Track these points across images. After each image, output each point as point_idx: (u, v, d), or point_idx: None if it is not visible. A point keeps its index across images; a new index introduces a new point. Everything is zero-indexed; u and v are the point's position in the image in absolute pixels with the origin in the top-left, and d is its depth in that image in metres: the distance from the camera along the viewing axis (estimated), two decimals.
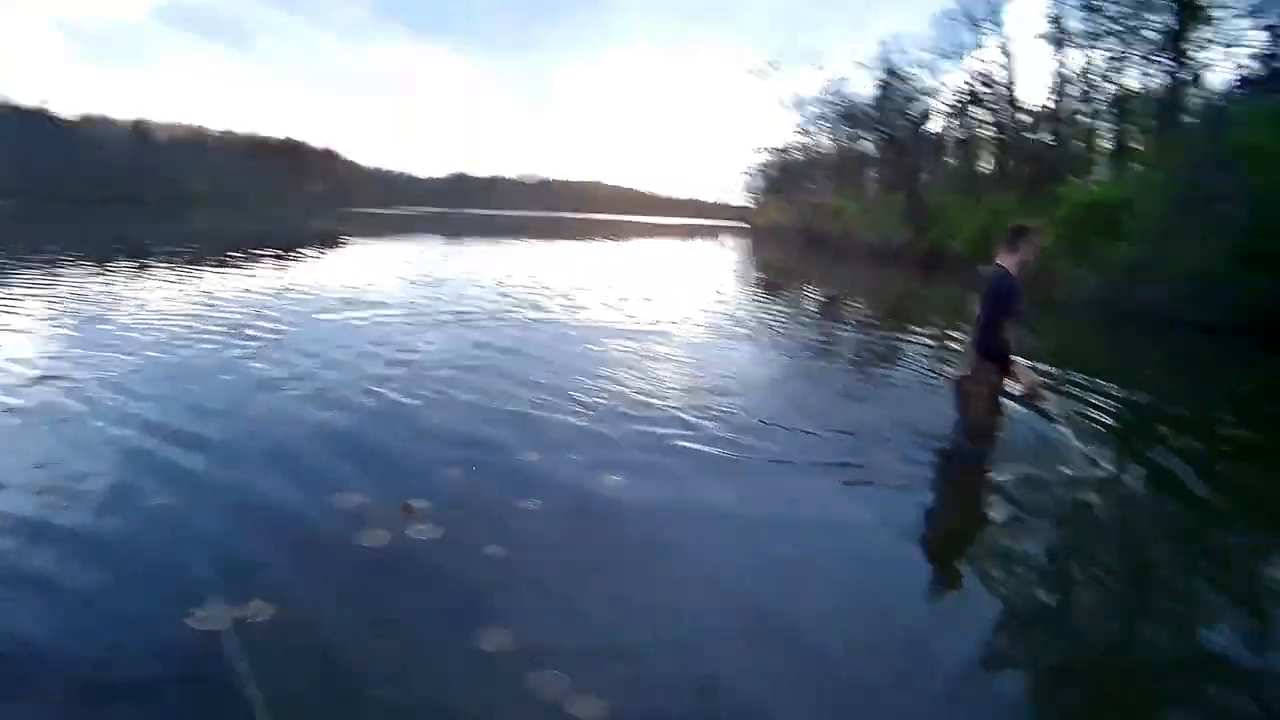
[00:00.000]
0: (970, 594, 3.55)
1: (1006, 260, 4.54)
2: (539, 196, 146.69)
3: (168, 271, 16.03)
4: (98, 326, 8.94)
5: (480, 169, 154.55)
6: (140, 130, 77.45)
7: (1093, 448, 5.46)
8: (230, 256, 20.23)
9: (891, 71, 36.32)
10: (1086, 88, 27.06)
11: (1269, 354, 11.72)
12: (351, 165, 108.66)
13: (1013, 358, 4.61)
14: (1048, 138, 29.37)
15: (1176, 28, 22.57)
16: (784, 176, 60.60)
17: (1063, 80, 27.65)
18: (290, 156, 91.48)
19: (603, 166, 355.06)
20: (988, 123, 33.38)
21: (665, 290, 16.99)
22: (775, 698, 2.63)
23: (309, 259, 21.86)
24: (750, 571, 3.58)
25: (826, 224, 40.80)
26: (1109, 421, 6.68)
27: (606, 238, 47.81)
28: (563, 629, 3.00)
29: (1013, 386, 4.90)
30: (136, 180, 67.05)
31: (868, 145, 43.26)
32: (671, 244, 45.86)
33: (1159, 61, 23.40)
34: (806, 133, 49.87)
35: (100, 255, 19.22)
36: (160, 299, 11.48)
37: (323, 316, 10.60)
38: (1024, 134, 30.10)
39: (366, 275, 17.14)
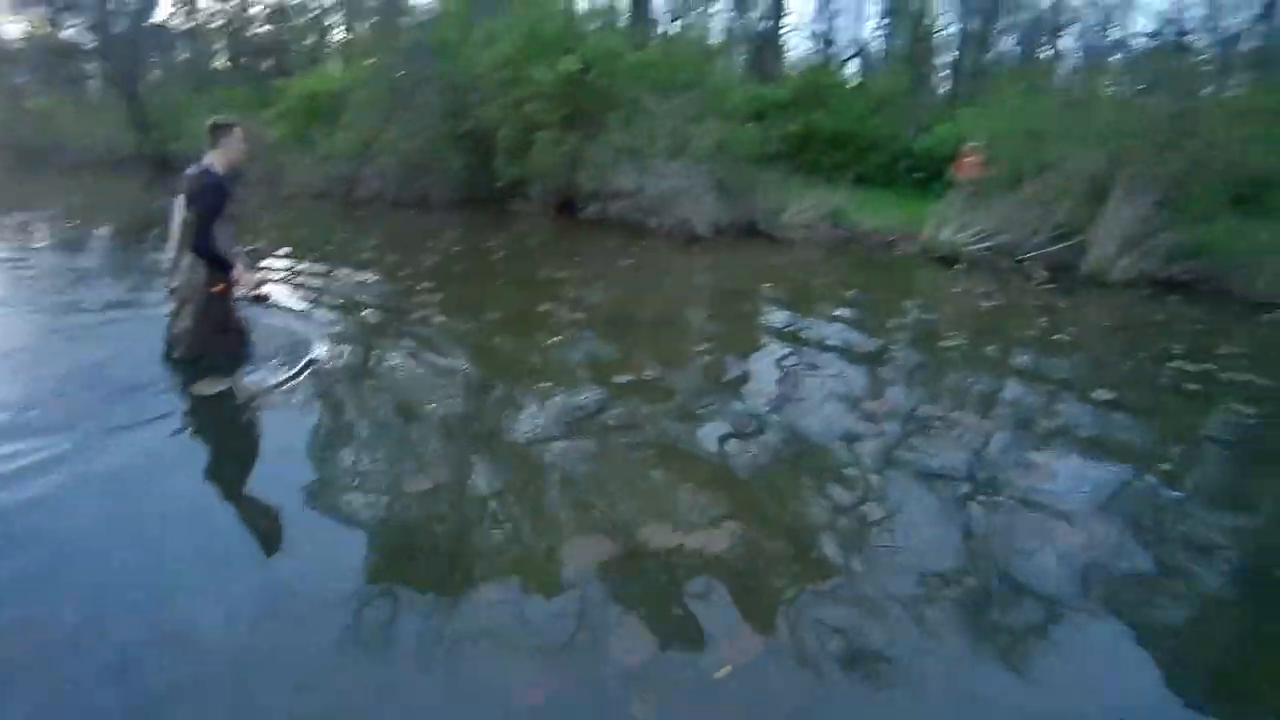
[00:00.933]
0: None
1: (214, 160, 4.27)
2: None
3: None
4: None
5: None
6: None
7: (335, 330, 5.51)
8: None
9: None
10: None
11: (481, 218, 12.82)
12: None
13: (229, 259, 4.36)
14: (278, 29, 28.20)
15: None
16: None
17: None
18: None
19: None
20: (218, 13, 30.69)
21: None
22: None
23: None
24: None
25: (42, 133, 33.06)
26: (338, 300, 6.58)
27: None
28: None
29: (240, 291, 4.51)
30: None
31: (85, 34, 35.99)
32: None
33: None
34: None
35: None
36: None
37: None
38: (253, 26, 28.25)
39: None
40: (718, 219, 11.80)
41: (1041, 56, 25.66)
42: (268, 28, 30.95)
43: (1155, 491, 3.70)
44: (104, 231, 10.97)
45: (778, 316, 7.27)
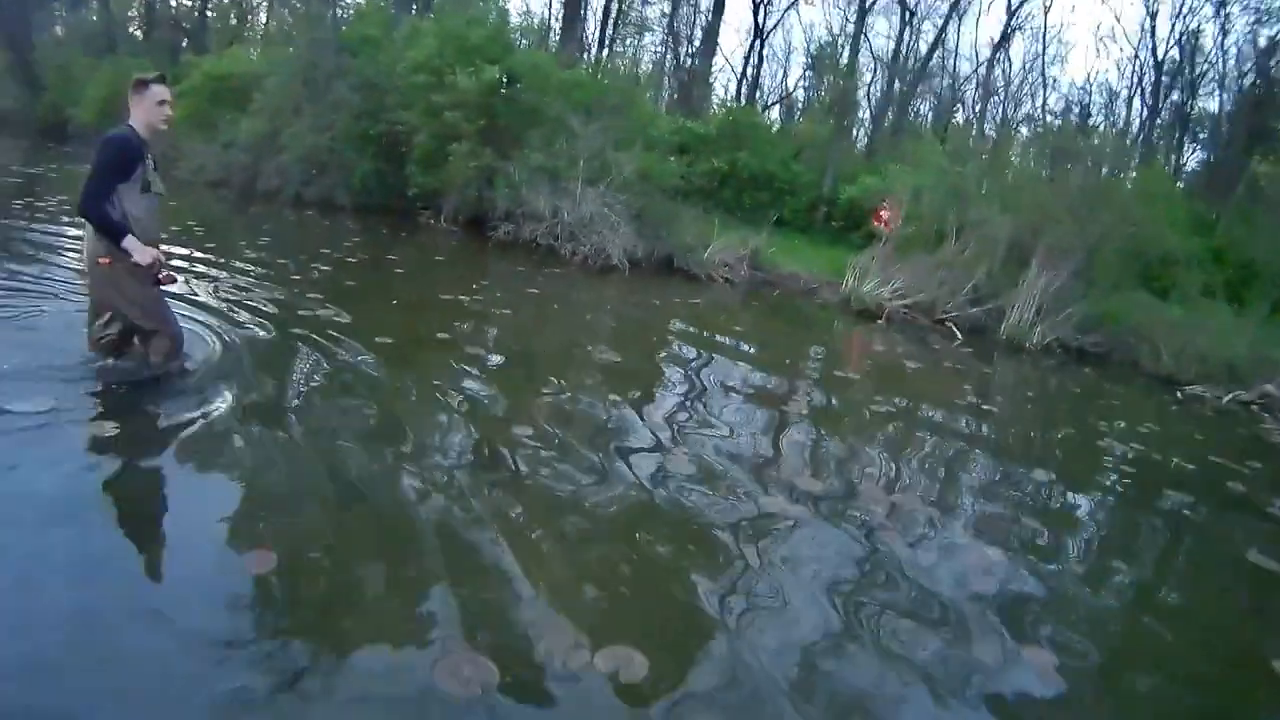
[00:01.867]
0: None
1: (133, 119, 3.73)
2: None
3: None
4: None
5: None
6: None
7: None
8: None
9: None
10: None
11: (385, 226, 12.15)
12: None
13: (120, 227, 3.65)
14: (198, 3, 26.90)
15: None
16: None
17: None
18: None
19: None
20: None
21: None
22: None
23: None
24: None
25: None
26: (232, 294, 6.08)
27: None
28: None
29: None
30: None
31: None
32: None
33: None
34: None
35: None
36: None
37: None
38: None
39: None
40: (635, 251, 11.51)
41: (956, 122, 26.75)
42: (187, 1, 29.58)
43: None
44: None
45: (688, 365, 6.92)
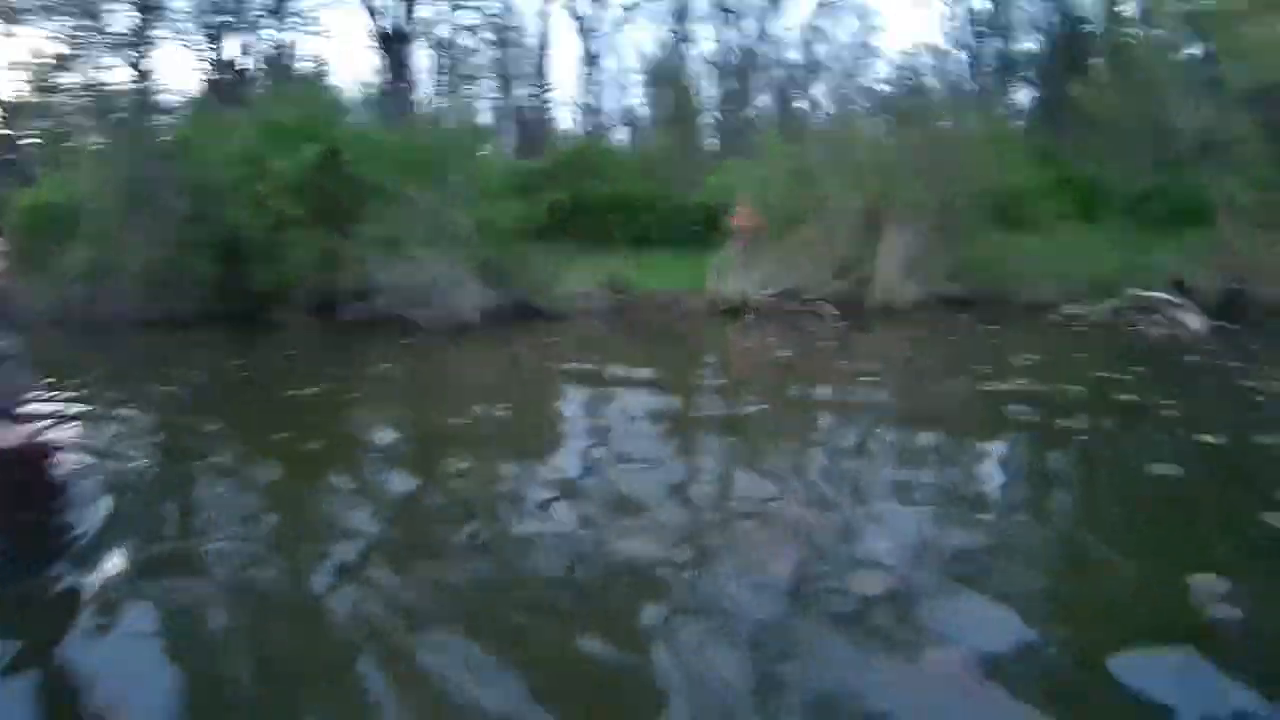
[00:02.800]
0: None
1: None
2: None
3: None
4: None
5: None
6: None
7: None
8: None
9: None
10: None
11: (234, 331, 11.81)
12: None
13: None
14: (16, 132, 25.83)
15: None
16: None
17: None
18: None
19: None
20: None
21: None
22: None
23: None
24: None
25: None
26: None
27: None
28: None
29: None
30: None
31: None
32: None
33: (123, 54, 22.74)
34: None
35: None
36: None
37: None
38: None
39: None
40: (485, 303, 11.51)
41: (796, 107, 27.74)
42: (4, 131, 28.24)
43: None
44: None
45: (562, 407, 6.95)
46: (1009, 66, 27.15)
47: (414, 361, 9.57)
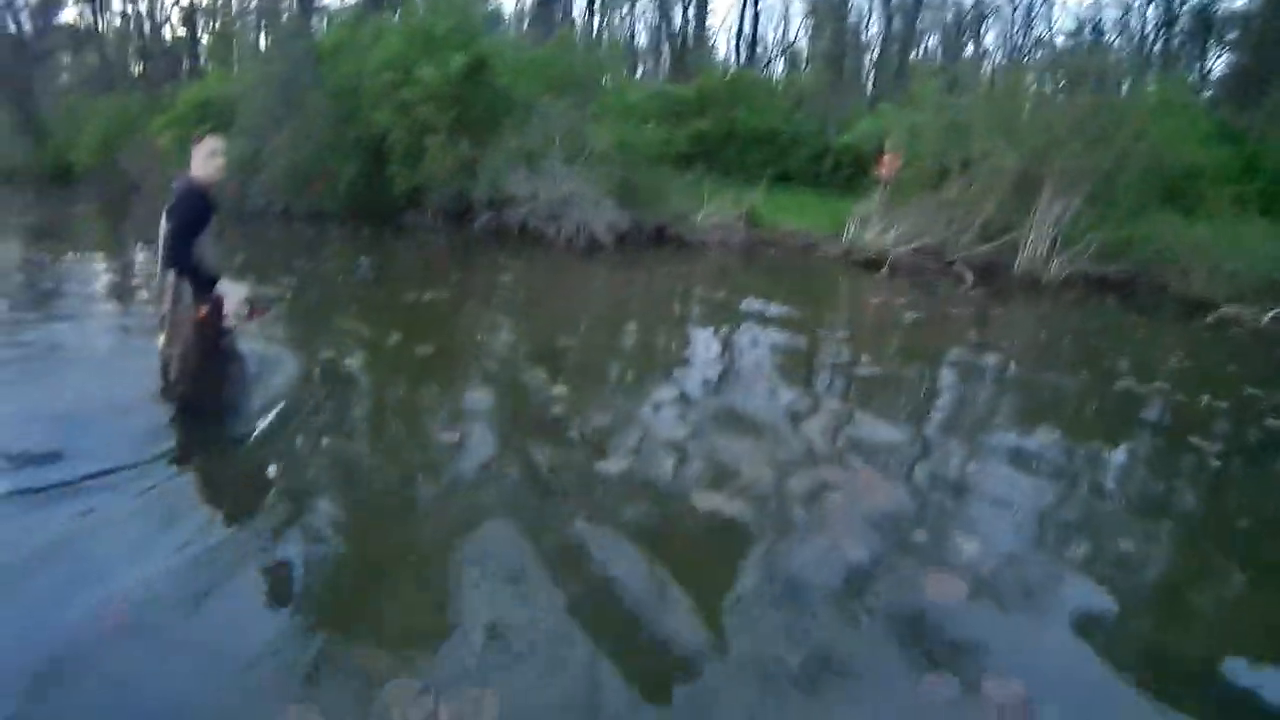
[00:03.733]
0: None
1: (195, 171, 3.83)
2: None
3: None
4: None
5: None
6: None
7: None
8: None
9: None
10: None
11: (370, 230, 11.94)
12: None
13: (213, 275, 3.83)
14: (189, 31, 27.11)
15: None
16: None
17: None
18: None
19: None
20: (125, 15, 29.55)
21: None
22: None
23: None
24: None
25: None
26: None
27: None
28: None
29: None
30: None
31: None
32: None
33: None
34: None
35: None
36: None
37: None
38: (157, 29, 27.07)
39: None
40: (621, 225, 11.06)
41: (964, 55, 25.65)
42: (180, 32, 29.71)
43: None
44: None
45: (687, 333, 6.53)
46: (1207, 27, 23.87)
47: (540, 276, 9.30)
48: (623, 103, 12.90)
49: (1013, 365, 6.40)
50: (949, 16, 26.69)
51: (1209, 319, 8.37)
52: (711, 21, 25.23)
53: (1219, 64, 23.98)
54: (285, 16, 24.41)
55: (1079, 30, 26.37)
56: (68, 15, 30.55)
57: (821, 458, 3.86)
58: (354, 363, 5.06)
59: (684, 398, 4.66)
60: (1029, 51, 25.38)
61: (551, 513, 3.13)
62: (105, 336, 5.62)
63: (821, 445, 4.04)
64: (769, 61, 25.60)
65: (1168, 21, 24.17)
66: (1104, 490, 3.85)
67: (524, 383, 4.92)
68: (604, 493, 3.34)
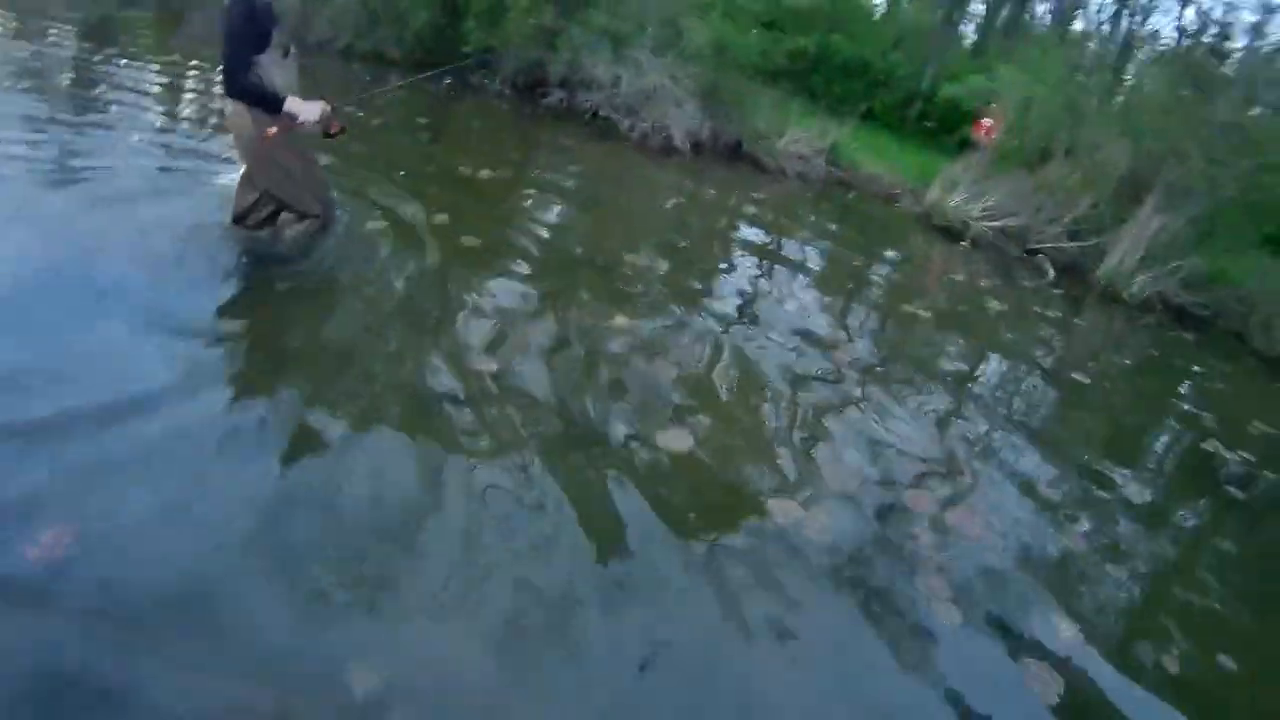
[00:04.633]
0: None
1: None
2: None
3: None
4: None
5: None
6: None
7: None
8: None
9: None
10: None
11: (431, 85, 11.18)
12: None
13: (277, 94, 3.42)
14: None
15: None
16: None
17: None
18: None
19: None
20: None
21: None
22: None
23: None
24: None
25: None
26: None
27: None
28: None
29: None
30: None
31: None
32: None
33: None
34: None
35: None
36: None
37: None
38: None
39: None
40: (699, 132, 10.30)
41: (1075, 28, 23.87)
42: None
43: None
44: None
45: (736, 278, 5.92)
46: None
47: (609, 172, 8.65)
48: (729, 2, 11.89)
49: (1103, 391, 5.80)
50: None
51: None
52: None
53: None
54: None
55: (1202, 29, 24.42)
56: None
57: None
58: (392, 245, 4.49)
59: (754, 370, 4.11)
60: (1143, 40, 23.59)
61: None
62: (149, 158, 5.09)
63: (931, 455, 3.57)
64: None
65: None
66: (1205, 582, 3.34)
67: (579, 307, 4.34)
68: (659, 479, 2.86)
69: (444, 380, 3.11)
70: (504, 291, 4.21)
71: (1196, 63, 15.60)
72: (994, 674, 2.36)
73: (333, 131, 3.71)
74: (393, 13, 12.82)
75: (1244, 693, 2.60)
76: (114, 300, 3.03)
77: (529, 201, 6.56)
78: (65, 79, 7.02)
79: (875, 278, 7.34)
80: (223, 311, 3.24)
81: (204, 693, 1.66)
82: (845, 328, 5.26)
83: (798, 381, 4.01)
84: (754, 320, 4.86)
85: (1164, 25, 24.45)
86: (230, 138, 3.83)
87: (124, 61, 8.28)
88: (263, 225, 3.87)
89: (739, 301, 5.19)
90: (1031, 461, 3.92)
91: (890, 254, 8.76)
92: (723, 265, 6.23)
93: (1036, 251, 9.65)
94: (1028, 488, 3.58)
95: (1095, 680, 2.44)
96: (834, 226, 9.02)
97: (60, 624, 1.71)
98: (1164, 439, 5.33)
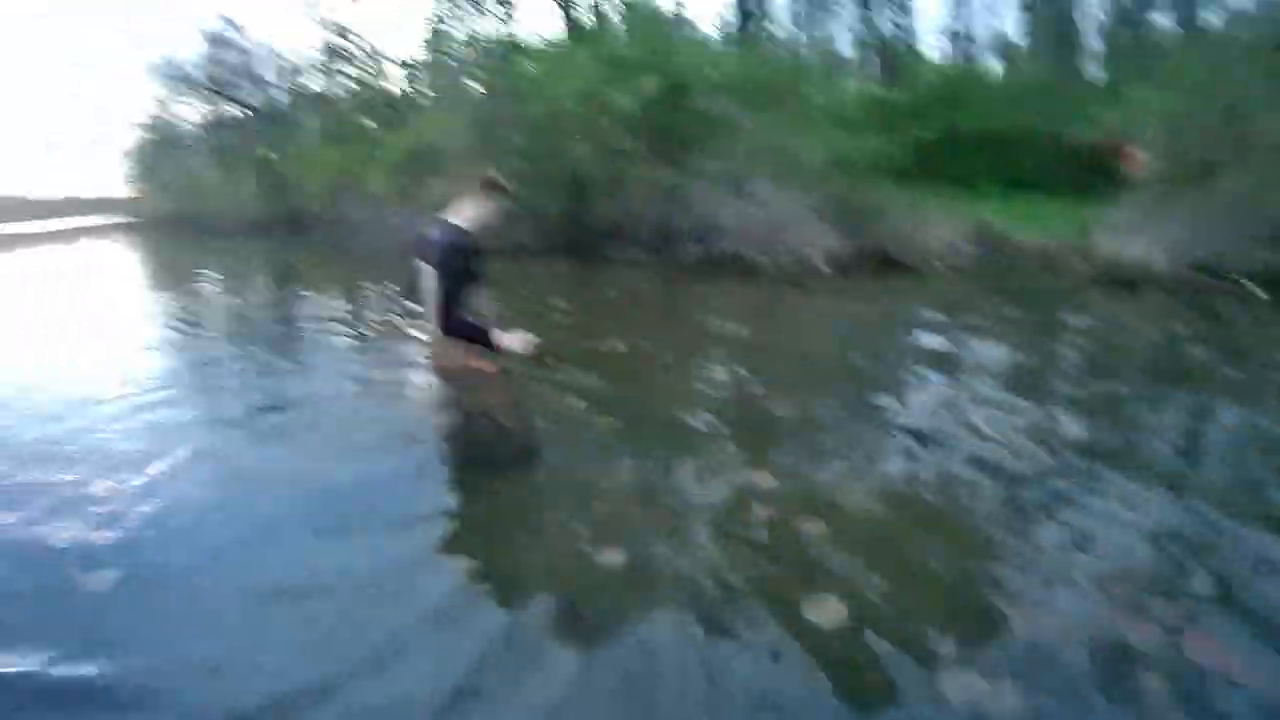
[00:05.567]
0: None
1: (466, 216, 3.51)
2: None
3: None
4: None
5: None
6: None
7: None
8: None
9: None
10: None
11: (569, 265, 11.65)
12: None
13: (484, 326, 3.50)
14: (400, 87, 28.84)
15: None
16: (161, 154, 51.26)
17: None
18: None
19: None
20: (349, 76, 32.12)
21: None
22: None
23: None
24: None
25: (199, 202, 35.61)
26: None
27: None
28: None
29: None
30: None
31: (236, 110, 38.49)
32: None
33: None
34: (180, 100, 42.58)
35: None
36: None
37: None
38: (379, 83, 29.07)
39: None
40: (838, 250, 10.04)
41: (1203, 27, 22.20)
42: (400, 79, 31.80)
43: None
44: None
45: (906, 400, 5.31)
46: None
47: (749, 315, 8.27)
48: (837, 114, 11.85)
49: None
50: None
51: None
52: (917, 20, 23.46)
53: None
54: (482, 61, 25.45)
55: None
56: (312, 82, 33.56)
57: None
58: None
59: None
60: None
61: None
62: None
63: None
64: (981, 58, 23.45)
65: None
66: None
67: (716, 468, 3.91)
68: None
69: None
70: (633, 468, 3.91)
71: None
72: None
73: (538, 356, 3.69)
74: (520, 210, 13.62)
75: None
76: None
77: (662, 366, 6.24)
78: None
79: (1061, 358, 6.51)
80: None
81: None
82: (1038, 437, 4.43)
83: (977, 507, 3.43)
84: (937, 443, 4.25)
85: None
86: (429, 364, 3.81)
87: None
88: (471, 448, 3.86)
89: (919, 424, 4.58)
90: None
91: (1072, 323, 7.83)
92: (895, 385, 5.63)
93: (1236, 279, 8.37)
94: None
95: None
96: (1004, 311, 8.27)
97: None
98: None
